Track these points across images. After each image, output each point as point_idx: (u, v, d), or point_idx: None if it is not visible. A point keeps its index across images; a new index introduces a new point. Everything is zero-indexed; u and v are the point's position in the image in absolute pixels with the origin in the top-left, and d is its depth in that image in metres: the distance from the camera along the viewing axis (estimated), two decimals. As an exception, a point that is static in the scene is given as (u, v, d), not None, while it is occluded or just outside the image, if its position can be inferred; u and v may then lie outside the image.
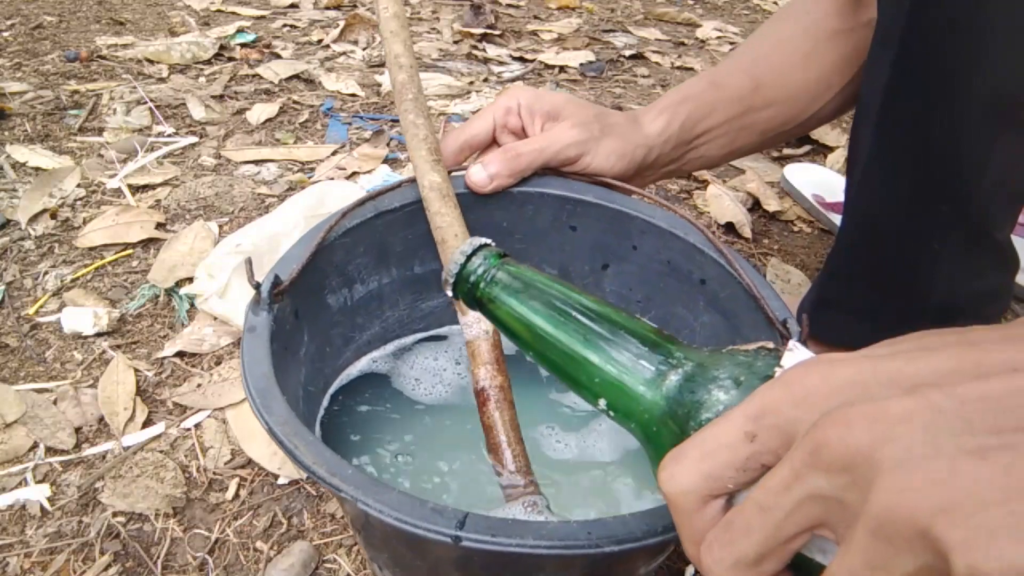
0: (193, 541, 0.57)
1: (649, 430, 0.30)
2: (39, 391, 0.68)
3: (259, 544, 0.57)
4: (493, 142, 0.59)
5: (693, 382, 0.28)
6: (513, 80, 1.41)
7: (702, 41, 1.72)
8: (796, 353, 0.27)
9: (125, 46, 1.40)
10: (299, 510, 0.60)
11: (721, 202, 1.02)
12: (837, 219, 0.98)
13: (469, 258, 0.36)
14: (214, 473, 0.62)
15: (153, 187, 0.99)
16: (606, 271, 0.60)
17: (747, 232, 0.97)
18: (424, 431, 0.54)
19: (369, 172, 1.04)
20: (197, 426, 0.66)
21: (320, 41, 1.51)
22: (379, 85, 1.34)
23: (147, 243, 0.88)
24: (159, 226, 0.90)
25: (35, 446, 0.63)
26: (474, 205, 0.56)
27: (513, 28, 1.68)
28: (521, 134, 0.58)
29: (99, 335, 0.75)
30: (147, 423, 0.66)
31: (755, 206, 1.05)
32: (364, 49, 1.50)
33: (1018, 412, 0.19)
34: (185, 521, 0.58)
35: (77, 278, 0.82)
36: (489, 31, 1.61)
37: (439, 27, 1.65)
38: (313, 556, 0.56)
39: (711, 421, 0.25)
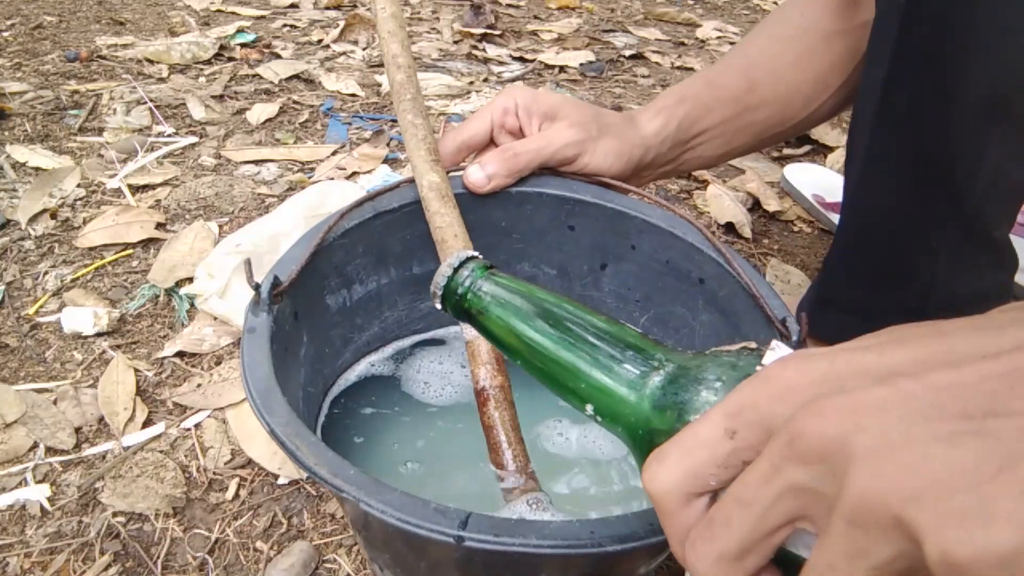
0: (193, 541, 0.57)
1: (635, 434, 0.30)
2: (39, 391, 0.68)
3: (259, 544, 0.57)
4: (491, 142, 0.59)
5: (676, 384, 0.29)
6: (513, 80, 1.41)
7: (702, 41, 1.72)
8: (778, 352, 0.27)
9: (125, 46, 1.40)
10: (299, 510, 0.60)
11: (721, 202, 1.02)
12: (837, 219, 0.98)
13: (456, 271, 0.36)
14: (214, 473, 0.62)
15: (153, 187, 0.99)
16: (605, 270, 0.60)
17: (747, 232, 0.97)
18: (438, 433, 0.54)
19: (369, 172, 1.04)
20: (197, 426, 0.66)
21: (320, 41, 1.51)
22: (379, 85, 1.34)
23: (147, 243, 0.88)
24: (159, 226, 0.90)
25: (35, 446, 0.63)
26: (473, 205, 0.56)
27: (513, 28, 1.68)
28: (519, 134, 0.58)
29: (99, 335, 0.75)
30: (147, 423, 0.66)
31: (755, 206, 1.05)
32: (364, 49, 1.50)
33: (989, 398, 0.20)
34: (185, 521, 0.58)
35: (77, 278, 0.82)
36: (489, 31, 1.61)
37: (439, 27, 1.65)
38: (313, 556, 0.56)
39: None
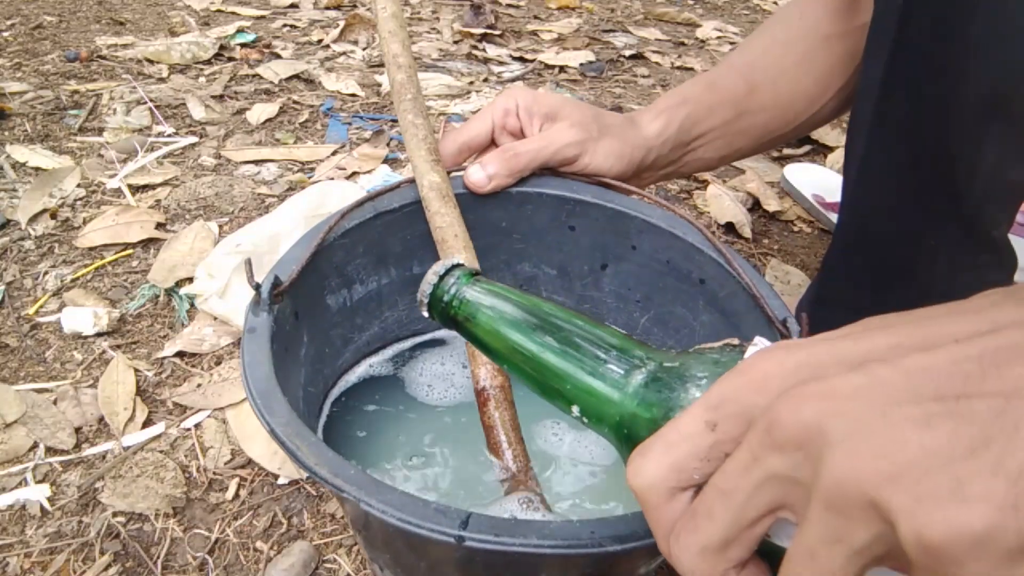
0: (193, 541, 0.57)
1: (620, 433, 0.30)
2: (39, 391, 0.68)
3: (259, 544, 0.57)
4: (492, 143, 0.59)
5: (659, 382, 0.29)
6: (513, 80, 1.41)
7: (702, 41, 1.72)
8: (760, 347, 0.27)
9: (125, 46, 1.40)
10: (299, 510, 0.60)
11: (721, 202, 1.02)
12: (836, 219, 0.98)
13: (442, 278, 0.37)
14: (214, 473, 0.62)
15: (153, 187, 0.99)
16: (605, 271, 0.60)
17: (747, 232, 0.97)
18: (442, 433, 0.54)
19: (369, 172, 1.04)
20: (197, 426, 0.66)
21: (320, 41, 1.51)
22: (379, 85, 1.34)
23: (147, 243, 0.88)
24: (159, 226, 0.90)
25: (35, 446, 0.63)
26: (473, 205, 0.56)
27: (513, 28, 1.68)
28: (520, 135, 0.58)
29: (99, 335, 0.75)
30: (147, 423, 0.66)
31: (755, 206, 1.05)
32: (364, 49, 1.50)
33: (962, 380, 0.20)
34: (185, 521, 0.58)
35: (77, 278, 0.82)
36: (489, 31, 1.61)
37: (439, 27, 1.65)
38: (313, 556, 0.56)
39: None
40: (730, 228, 0.98)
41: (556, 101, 0.58)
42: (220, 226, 0.92)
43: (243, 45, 1.44)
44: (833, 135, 1.22)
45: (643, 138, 0.59)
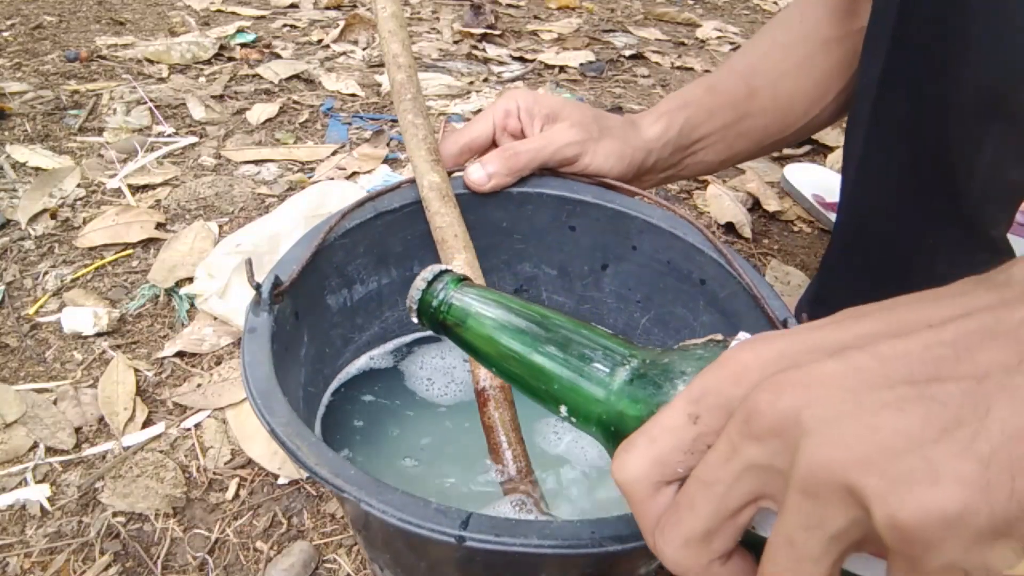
0: (193, 541, 0.57)
1: (608, 431, 0.31)
2: (39, 391, 0.68)
3: (259, 544, 0.57)
4: (493, 144, 0.59)
5: (644, 379, 0.30)
6: (513, 80, 1.41)
7: (702, 41, 1.72)
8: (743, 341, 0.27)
9: (125, 46, 1.40)
10: (299, 510, 0.60)
11: (721, 202, 1.02)
12: (837, 219, 0.98)
13: (430, 284, 0.37)
14: (214, 473, 0.62)
15: (153, 187, 0.99)
16: (606, 271, 0.60)
17: (747, 232, 0.97)
18: (443, 429, 0.54)
19: (369, 172, 1.04)
20: (197, 426, 0.66)
21: (320, 41, 1.51)
22: (379, 85, 1.34)
23: (147, 243, 0.88)
24: (159, 226, 0.90)
25: (35, 446, 0.63)
26: (474, 205, 0.56)
27: (513, 28, 1.68)
28: (520, 136, 0.58)
29: (99, 335, 0.75)
30: (147, 423, 0.66)
31: (755, 206, 1.05)
32: (364, 49, 1.50)
33: (934, 364, 0.20)
34: (185, 521, 0.58)
35: (77, 278, 0.82)
36: (489, 31, 1.61)
37: (439, 27, 1.65)
38: (313, 556, 0.56)
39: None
40: (730, 228, 0.98)
41: (557, 102, 0.58)
42: (220, 226, 0.92)
43: (243, 45, 1.44)
44: (833, 135, 1.22)
45: (643, 140, 0.59)
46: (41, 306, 0.78)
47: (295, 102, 1.24)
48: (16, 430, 0.64)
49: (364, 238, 0.54)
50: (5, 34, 1.42)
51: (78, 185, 0.97)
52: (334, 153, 1.10)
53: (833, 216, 1.01)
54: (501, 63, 1.49)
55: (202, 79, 1.30)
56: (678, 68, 1.54)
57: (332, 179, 1.01)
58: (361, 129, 1.18)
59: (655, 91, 1.42)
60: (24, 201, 0.93)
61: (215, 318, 0.76)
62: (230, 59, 1.39)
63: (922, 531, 0.18)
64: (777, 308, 0.47)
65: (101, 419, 0.66)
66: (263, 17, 1.63)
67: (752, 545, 0.24)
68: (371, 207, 0.53)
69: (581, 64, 1.48)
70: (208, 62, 1.36)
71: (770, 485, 0.22)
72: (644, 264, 0.58)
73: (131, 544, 0.56)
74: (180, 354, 0.73)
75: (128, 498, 0.59)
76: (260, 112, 1.19)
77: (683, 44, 1.69)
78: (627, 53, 1.57)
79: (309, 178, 1.03)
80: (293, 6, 1.72)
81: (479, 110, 1.26)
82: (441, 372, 0.58)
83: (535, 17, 1.79)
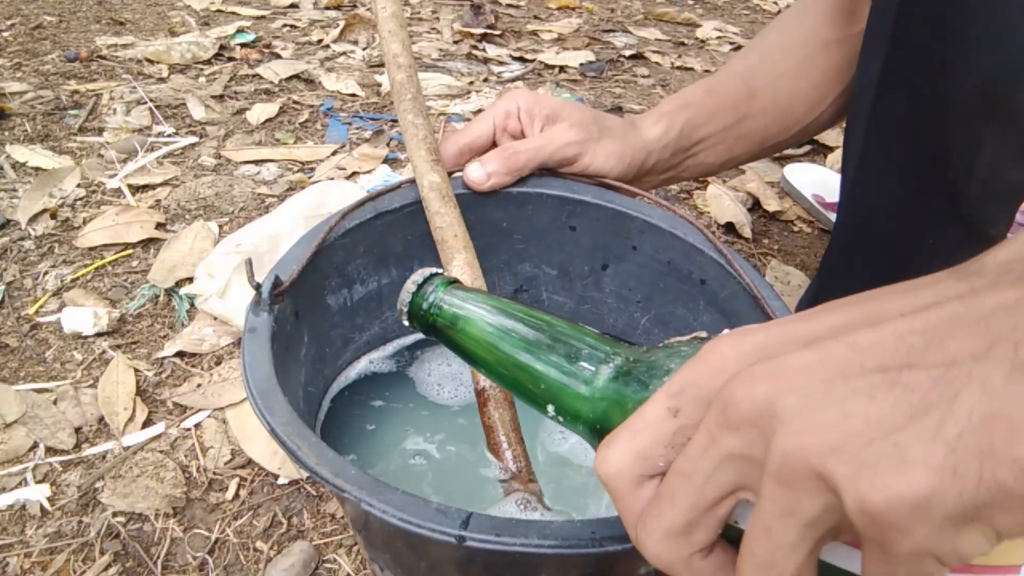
0: (193, 541, 0.57)
1: (594, 429, 0.31)
2: (39, 391, 0.68)
3: (259, 544, 0.57)
4: (493, 145, 0.59)
5: (629, 376, 0.30)
6: (513, 80, 1.41)
7: (702, 41, 1.72)
8: None
9: (125, 46, 1.40)
10: (299, 510, 0.60)
11: (721, 202, 1.02)
12: (837, 219, 0.98)
13: (420, 287, 0.38)
14: (214, 473, 0.62)
15: (153, 187, 0.99)
16: (606, 271, 0.60)
17: (747, 232, 0.97)
18: (452, 432, 0.54)
19: (369, 172, 1.04)
20: (197, 426, 0.66)
21: (320, 41, 1.51)
22: (379, 85, 1.34)
23: (147, 243, 0.88)
24: (159, 226, 0.90)
25: (35, 446, 0.63)
26: (474, 205, 0.56)
27: (513, 28, 1.68)
28: (520, 137, 0.58)
29: (99, 335, 0.75)
30: (147, 423, 0.66)
31: (755, 206, 1.05)
32: (364, 49, 1.50)
33: (906, 352, 0.20)
34: (185, 521, 0.58)
35: (77, 278, 0.82)
36: (489, 31, 1.61)
37: (439, 27, 1.65)
38: (313, 556, 0.56)
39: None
40: (730, 228, 0.98)
41: (557, 103, 0.58)
42: (220, 226, 0.92)
43: (243, 45, 1.44)
44: (833, 135, 1.22)
45: (644, 141, 0.59)
46: (41, 306, 0.78)
47: (295, 102, 1.24)
48: (16, 430, 0.64)
49: (364, 238, 0.54)
50: (5, 34, 1.42)
51: (78, 185, 0.97)
52: (334, 153, 1.10)
53: (833, 216, 1.01)
54: (501, 63, 1.49)
55: (202, 79, 1.30)
56: (678, 68, 1.54)
57: (332, 179, 1.01)
58: (361, 129, 1.18)
59: (655, 91, 1.42)
60: (24, 201, 0.93)
61: (215, 318, 0.76)
62: (230, 59, 1.39)
63: (891, 515, 0.18)
64: (777, 308, 0.47)
65: (101, 419, 0.66)
66: (263, 17, 1.63)
67: (735, 540, 0.24)
68: (371, 207, 0.53)
69: (581, 64, 1.48)
70: (208, 62, 1.36)
71: (748, 475, 0.22)
72: (644, 264, 0.58)
73: (131, 544, 0.56)
74: (180, 354, 0.73)
75: (128, 498, 0.59)
76: (260, 112, 1.19)
77: (683, 44, 1.69)
78: (627, 53, 1.57)
79: (309, 178, 1.03)
80: (293, 6, 1.72)
81: (479, 110, 1.26)
82: (449, 378, 0.58)
83: (535, 17, 1.79)
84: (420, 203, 0.54)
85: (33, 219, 0.91)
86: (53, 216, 0.91)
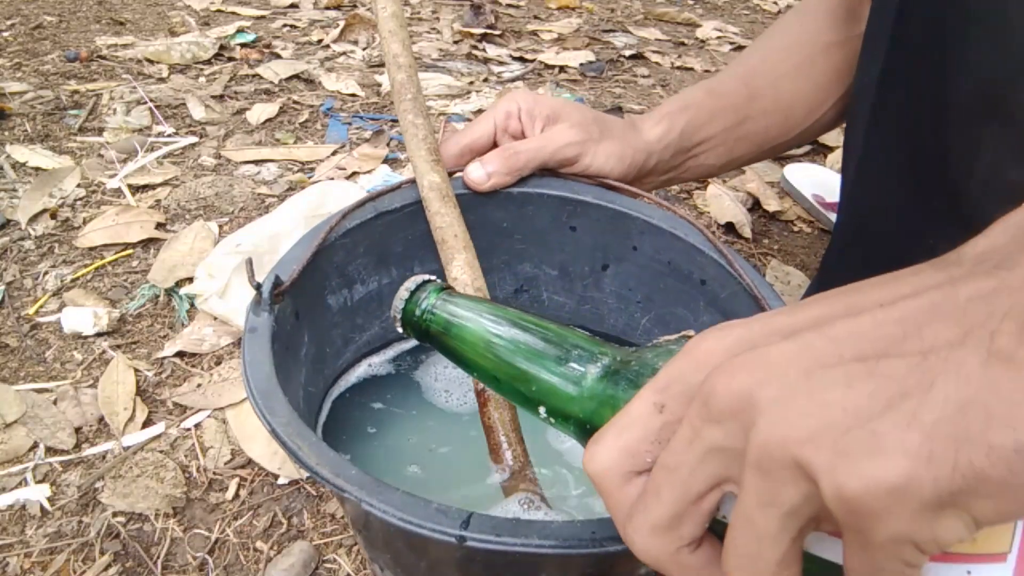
0: (193, 541, 0.57)
1: (584, 429, 0.31)
2: (39, 391, 0.68)
3: (259, 544, 0.57)
4: (493, 145, 0.59)
5: (618, 375, 0.30)
6: (513, 80, 1.41)
7: (702, 41, 1.72)
8: None
9: (125, 46, 1.40)
10: (299, 510, 0.60)
11: (721, 202, 1.02)
12: (837, 219, 0.98)
13: (413, 293, 0.38)
14: (214, 473, 0.62)
15: (153, 187, 0.99)
16: (606, 271, 0.60)
17: (747, 232, 0.97)
18: (457, 436, 0.54)
19: (369, 172, 1.04)
20: (197, 426, 0.66)
21: (320, 41, 1.51)
22: (379, 85, 1.34)
23: (147, 243, 0.88)
24: (159, 226, 0.90)
25: (35, 446, 0.63)
26: (474, 205, 0.56)
27: (513, 28, 1.68)
28: (521, 138, 0.58)
29: (99, 335, 0.75)
30: (147, 423, 0.66)
31: (755, 206, 1.05)
32: (364, 49, 1.50)
33: (883, 342, 0.20)
34: (185, 521, 0.58)
35: (77, 278, 0.82)
36: (489, 31, 1.61)
37: (439, 27, 1.65)
38: (313, 556, 0.56)
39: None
40: (730, 228, 0.98)
41: (558, 104, 0.58)
42: (220, 226, 0.91)
43: (243, 45, 1.44)
44: (833, 135, 1.22)
45: (644, 142, 0.59)
46: (41, 306, 0.78)
47: (295, 102, 1.24)
48: (16, 430, 0.64)
49: (364, 238, 0.54)
50: (5, 34, 1.42)
51: (78, 185, 0.97)
52: (334, 153, 1.10)
53: (833, 216, 1.01)
54: (501, 63, 1.49)
55: (202, 79, 1.30)
56: (678, 68, 1.54)
57: (332, 179, 1.01)
58: (361, 129, 1.18)
59: (655, 91, 1.42)
60: (24, 201, 0.93)
61: (215, 318, 0.76)
62: (230, 59, 1.39)
63: (868, 502, 0.18)
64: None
65: (101, 419, 0.66)
66: (263, 17, 1.63)
67: (723, 535, 0.24)
68: (371, 207, 0.53)
69: (581, 64, 1.48)
70: (208, 62, 1.36)
71: (731, 467, 0.22)
72: (645, 264, 0.58)
73: (131, 544, 0.56)
74: (180, 354, 0.73)
75: (128, 498, 0.59)
76: (260, 112, 1.19)
77: (683, 44, 1.69)
78: (627, 53, 1.57)
79: (309, 178, 1.03)
80: (293, 6, 1.72)
81: (479, 110, 1.26)
82: (457, 383, 0.58)
83: (535, 17, 1.79)
84: (420, 203, 0.54)
85: (33, 219, 0.91)
86: (53, 216, 0.91)
